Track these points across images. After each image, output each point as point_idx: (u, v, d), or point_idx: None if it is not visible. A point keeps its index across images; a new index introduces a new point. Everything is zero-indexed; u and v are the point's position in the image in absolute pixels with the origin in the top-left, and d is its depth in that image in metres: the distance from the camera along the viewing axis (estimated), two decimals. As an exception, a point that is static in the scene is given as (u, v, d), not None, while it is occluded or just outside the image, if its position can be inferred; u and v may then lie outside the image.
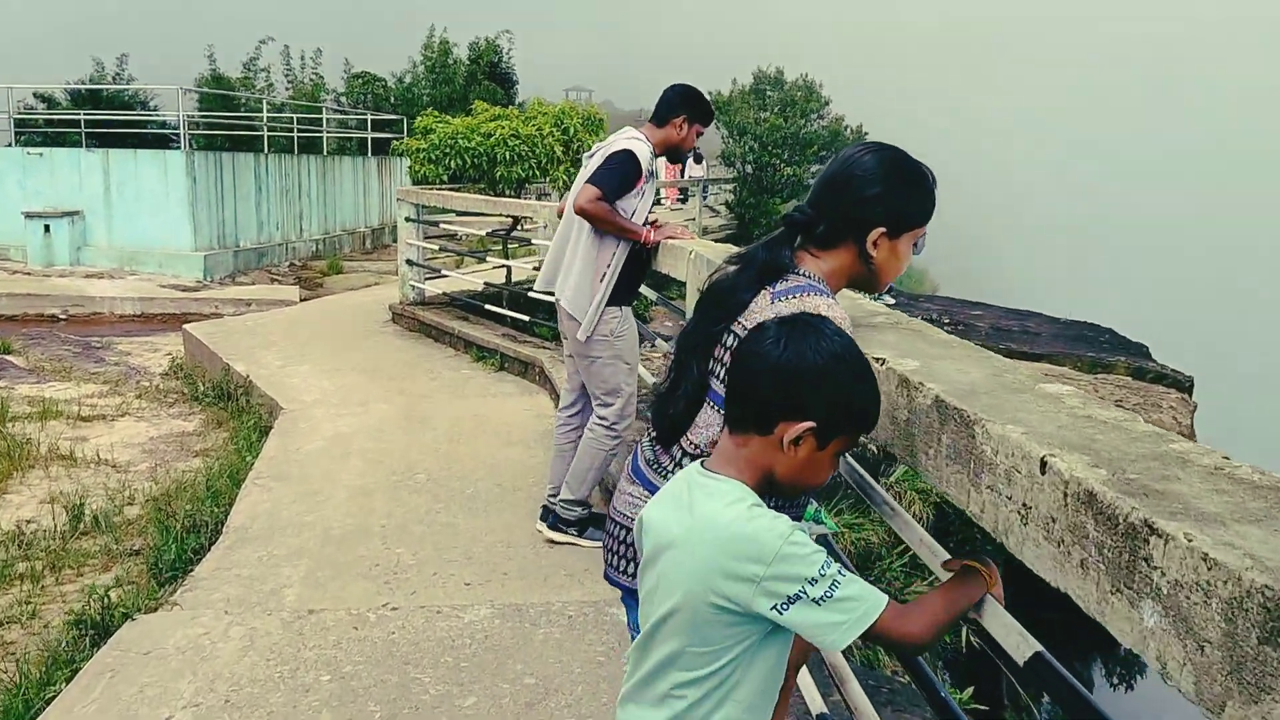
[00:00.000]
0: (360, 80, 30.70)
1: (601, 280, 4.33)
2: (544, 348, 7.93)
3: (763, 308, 1.85)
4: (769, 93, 19.70)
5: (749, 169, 19.07)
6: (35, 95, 24.39)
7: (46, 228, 14.07)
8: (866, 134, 19.71)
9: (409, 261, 9.76)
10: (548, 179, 9.34)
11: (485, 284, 9.28)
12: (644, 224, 4.45)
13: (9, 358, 9.48)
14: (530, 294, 8.50)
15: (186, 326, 9.57)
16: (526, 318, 8.32)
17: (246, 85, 26.49)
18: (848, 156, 2.02)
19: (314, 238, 17.46)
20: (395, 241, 20.65)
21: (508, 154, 9.00)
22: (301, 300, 13.41)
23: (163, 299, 13.05)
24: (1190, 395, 11.43)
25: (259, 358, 8.31)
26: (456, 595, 3.98)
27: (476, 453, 5.93)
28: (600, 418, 4.50)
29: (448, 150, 9.13)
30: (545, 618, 3.75)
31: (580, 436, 4.65)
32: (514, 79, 30.77)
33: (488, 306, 8.83)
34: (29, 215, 14.06)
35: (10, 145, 14.49)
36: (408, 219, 9.68)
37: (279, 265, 16.27)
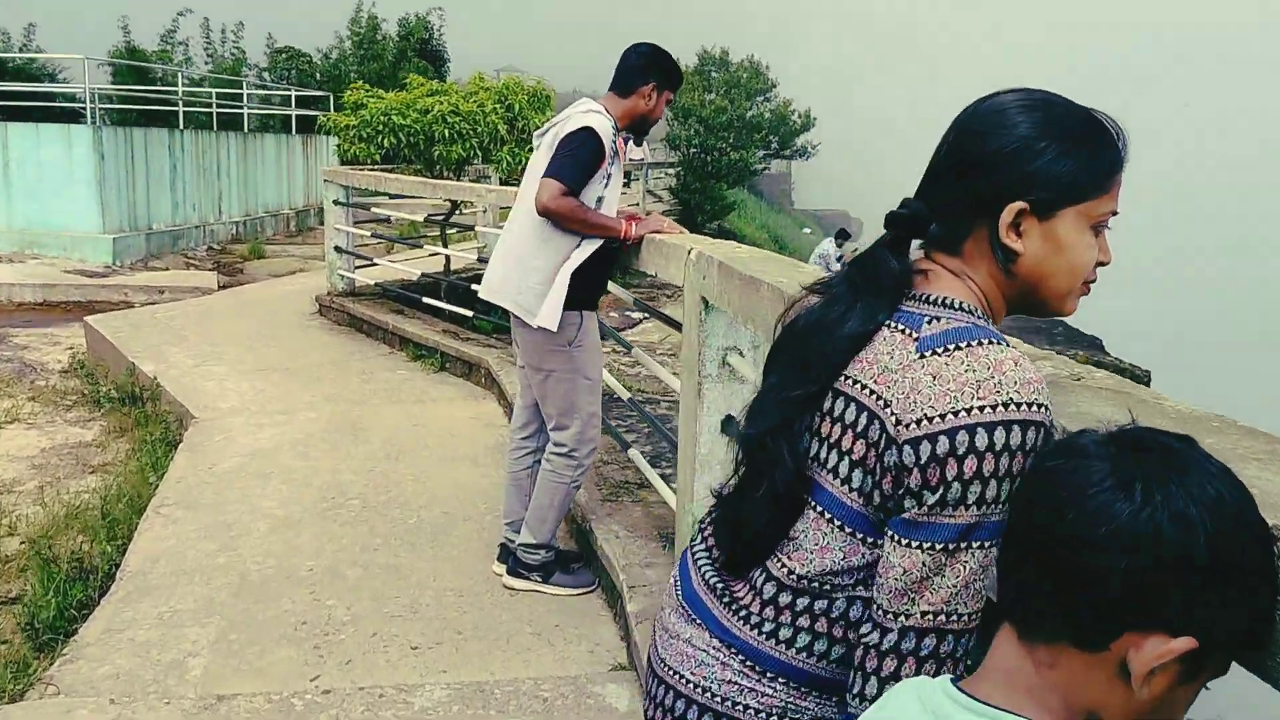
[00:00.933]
0: (284, 56, 29.32)
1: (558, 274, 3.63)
2: (489, 346, 7.17)
3: (904, 362, 1.16)
4: (713, 74, 18.96)
5: (693, 153, 18.35)
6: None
7: (-64, 207, 12.80)
8: (816, 119, 19.15)
9: (337, 249, 8.89)
10: (491, 161, 8.54)
11: (422, 274, 8.47)
12: (616, 213, 3.76)
13: (-117, 353, 8.40)
14: (474, 288, 7.72)
15: (89, 319, 8.59)
16: (469, 312, 7.54)
17: (163, 59, 25.02)
18: (966, 109, 1.30)
19: (234, 220, 16.34)
20: (322, 225, 19.50)
21: (447, 132, 8.19)
22: (220, 288, 12.39)
23: (66, 285, 11.94)
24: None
25: (169, 355, 7.41)
26: (402, 667, 3.24)
27: (418, 472, 5.17)
28: (557, 444, 3.79)
29: (380, 127, 8.28)
30: (514, 701, 3.03)
31: (537, 463, 3.94)
32: (445, 57, 29.71)
33: (425, 299, 8.02)
34: (-84, 193, 12.77)
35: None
36: (336, 202, 8.80)
37: (196, 249, 15.16)
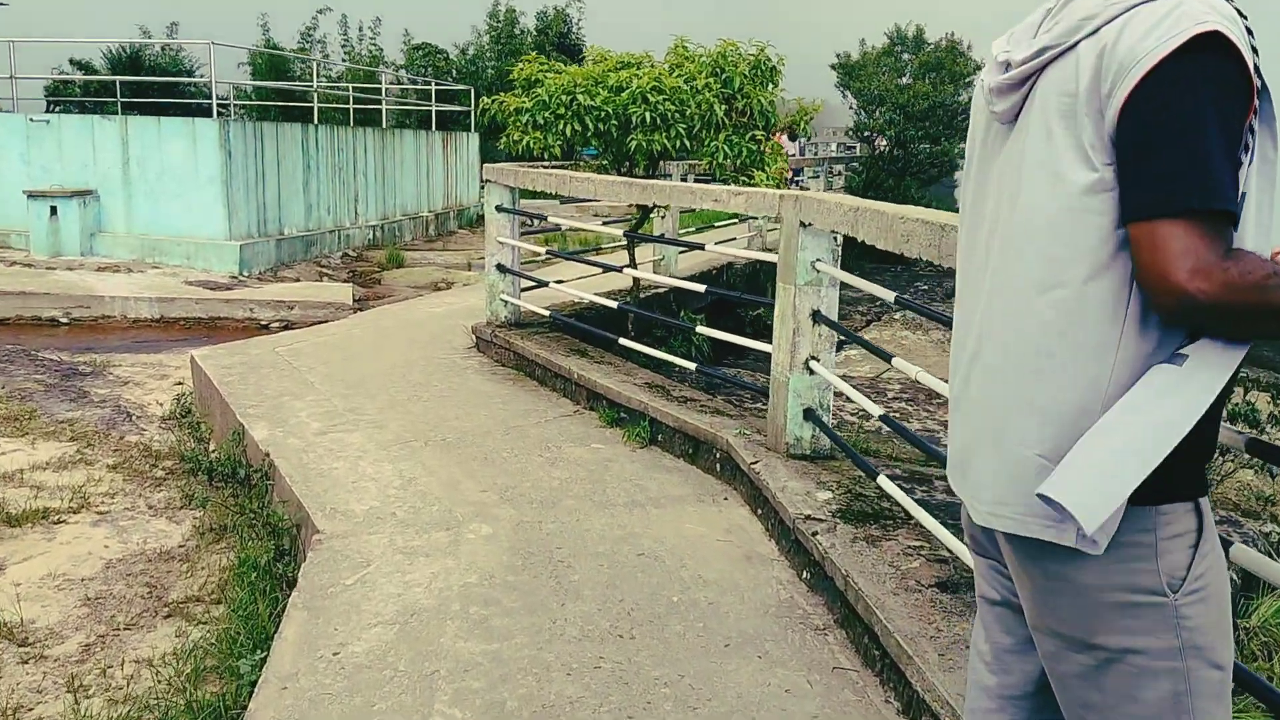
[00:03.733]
0: (421, 52, 27.93)
1: (1143, 437, 1.32)
2: (719, 413, 4.96)
3: None
4: (905, 55, 16.29)
5: (884, 146, 15.70)
6: (71, 62, 21.81)
7: (53, 210, 11.31)
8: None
9: (500, 267, 6.82)
10: (703, 153, 6.33)
11: (612, 298, 6.31)
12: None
13: (-48, 395, 6.67)
14: (692, 328, 5.51)
15: (195, 355, 6.72)
16: (688, 364, 5.35)
17: (301, 55, 23.79)
18: None
19: (370, 224, 14.62)
20: (461, 228, 17.78)
21: (648, 116, 6.01)
22: (355, 302, 10.57)
23: (186, 300, 10.27)
24: None
25: (289, 413, 5.43)
26: None
27: (677, 674, 2.97)
28: None
29: (562, 110, 6.15)
30: None
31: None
32: (584, 53, 27.86)
33: (622, 341, 5.85)
34: (32, 195, 11.29)
35: (12, 111, 11.77)
36: (500, 208, 6.72)
37: (330, 255, 13.45)
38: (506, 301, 6.84)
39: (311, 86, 14.47)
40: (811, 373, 4.20)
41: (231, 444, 5.28)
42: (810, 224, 4.03)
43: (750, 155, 6.22)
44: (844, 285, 4.16)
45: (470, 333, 7.10)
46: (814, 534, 3.47)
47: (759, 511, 4.15)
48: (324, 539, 3.87)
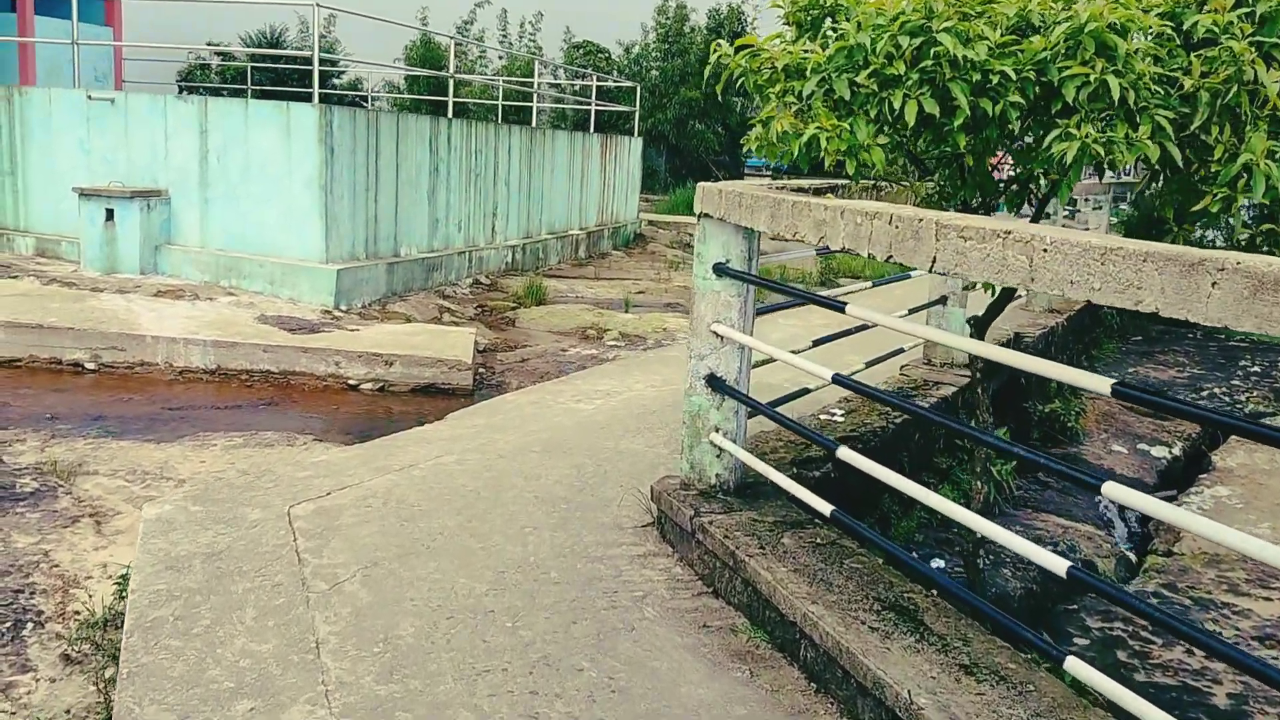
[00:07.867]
0: (581, 51, 24.88)
1: None
2: None
3: None
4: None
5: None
6: (209, 45, 19.58)
7: (109, 213, 8.46)
8: None
9: (714, 382, 3.34)
10: (1215, 185, 2.71)
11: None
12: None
13: None
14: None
15: (147, 513, 3.49)
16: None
17: (459, 53, 21.07)
18: None
19: (510, 244, 11.41)
20: (616, 249, 14.43)
21: (1116, 86, 2.41)
22: (479, 355, 7.30)
23: (252, 345, 7.19)
24: None
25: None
26: None
27: None
28: None
29: (898, 70, 2.59)
30: None
31: None
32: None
33: (1074, 666, 2.27)
34: (84, 194, 8.47)
35: (75, 87, 9.01)
36: (721, 270, 3.25)
37: (457, 283, 10.28)
38: (722, 451, 3.36)
39: (448, 74, 11.35)
40: None
41: None
42: None
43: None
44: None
45: (647, 503, 3.65)
46: None
47: None
48: None
